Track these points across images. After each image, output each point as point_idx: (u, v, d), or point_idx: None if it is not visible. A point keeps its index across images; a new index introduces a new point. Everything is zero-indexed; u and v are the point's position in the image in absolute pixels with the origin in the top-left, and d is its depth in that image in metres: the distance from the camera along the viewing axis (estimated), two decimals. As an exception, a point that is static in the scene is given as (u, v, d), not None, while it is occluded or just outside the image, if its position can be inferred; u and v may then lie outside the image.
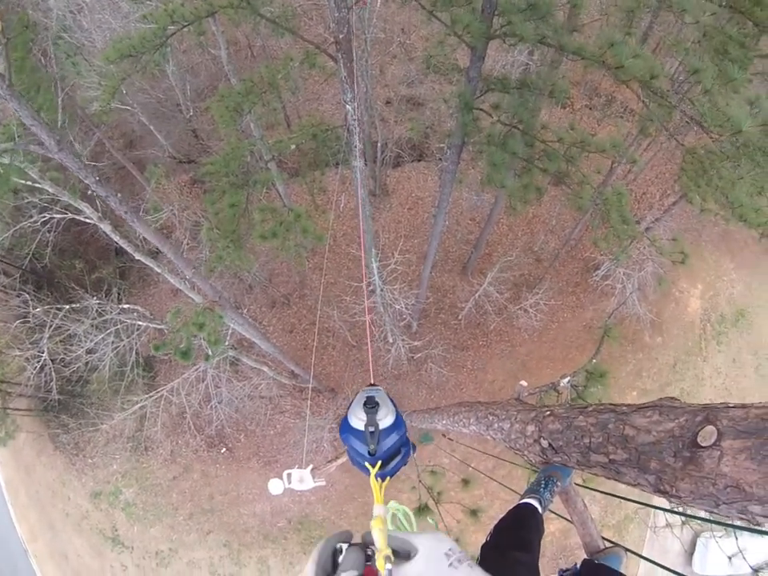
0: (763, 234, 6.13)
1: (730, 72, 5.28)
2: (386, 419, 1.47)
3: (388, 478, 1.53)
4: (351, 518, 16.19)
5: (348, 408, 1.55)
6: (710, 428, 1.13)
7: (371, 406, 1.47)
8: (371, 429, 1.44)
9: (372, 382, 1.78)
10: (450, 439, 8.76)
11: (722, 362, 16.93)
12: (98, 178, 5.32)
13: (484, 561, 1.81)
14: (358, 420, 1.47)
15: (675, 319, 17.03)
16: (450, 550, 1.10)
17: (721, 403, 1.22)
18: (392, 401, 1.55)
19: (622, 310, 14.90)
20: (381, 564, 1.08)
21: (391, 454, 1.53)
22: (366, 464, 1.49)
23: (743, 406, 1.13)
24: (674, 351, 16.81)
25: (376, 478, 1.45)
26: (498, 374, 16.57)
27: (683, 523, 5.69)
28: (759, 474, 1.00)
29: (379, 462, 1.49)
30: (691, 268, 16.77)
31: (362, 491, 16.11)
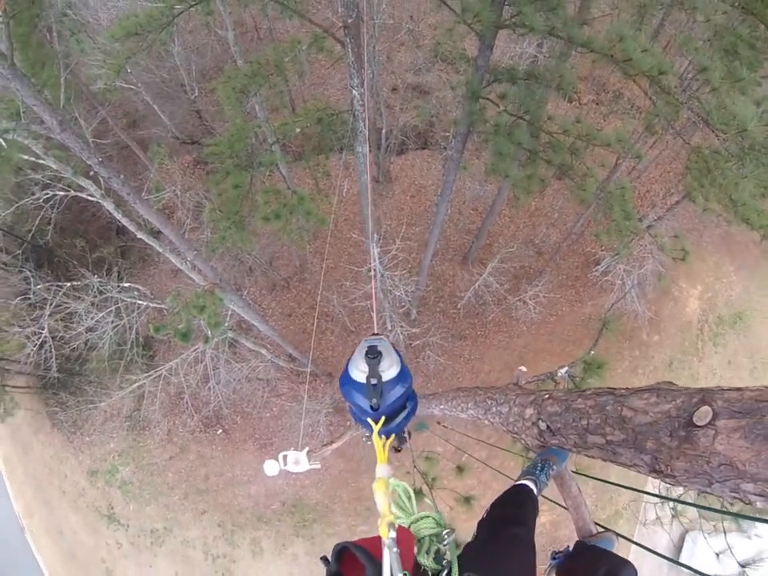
0: (764, 237, 6.16)
1: (738, 72, 5.27)
2: (389, 370, 1.35)
3: (393, 435, 1.45)
4: (345, 502, 16.35)
5: (349, 359, 1.42)
6: (706, 408, 1.16)
7: (373, 356, 1.33)
8: (374, 381, 1.32)
9: (375, 331, 1.64)
10: (444, 426, 8.83)
11: (718, 363, 17.03)
12: (101, 159, 5.31)
13: (480, 536, 1.84)
14: (359, 372, 1.35)
15: (673, 318, 17.10)
16: None
17: (716, 387, 1.25)
18: (396, 351, 1.42)
19: (620, 306, 14.94)
20: (383, 531, 1.05)
21: (396, 408, 1.42)
22: (369, 420, 1.38)
23: (738, 389, 1.17)
24: (671, 350, 16.90)
25: (379, 435, 1.37)
26: (494, 364, 16.64)
27: (673, 517, 5.76)
28: (752, 452, 1.04)
29: (383, 418, 1.38)
30: (691, 268, 16.84)
31: (356, 476, 16.25)
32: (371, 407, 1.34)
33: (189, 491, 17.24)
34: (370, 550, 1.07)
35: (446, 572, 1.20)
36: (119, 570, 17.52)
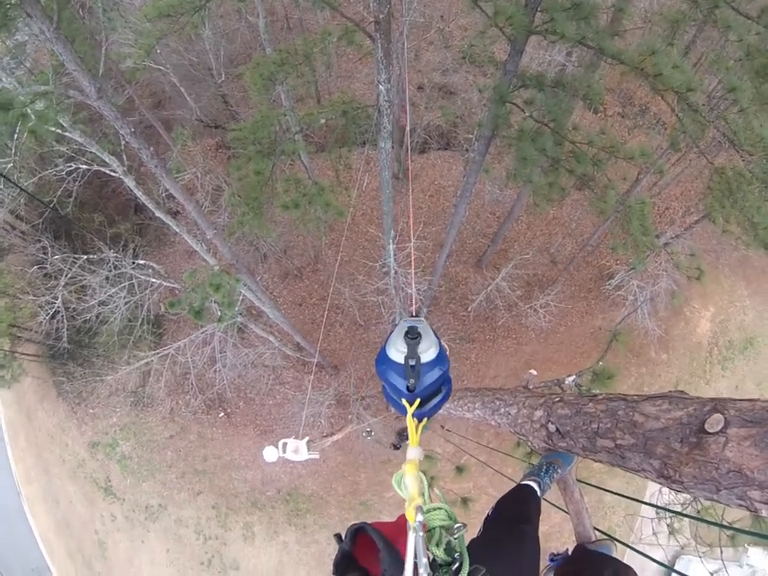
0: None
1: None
2: (428, 352, 1.31)
3: (425, 419, 1.42)
4: (340, 495, 16.44)
5: (386, 339, 1.38)
6: (718, 416, 1.19)
7: (413, 336, 1.30)
8: (412, 362, 1.29)
9: (414, 313, 1.59)
10: (447, 430, 8.84)
11: (725, 387, 16.88)
12: (133, 129, 5.39)
13: (488, 532, 1.87)
14: (397, 351, 1.31)
15: (683, 338, 16.98)
16: None
17: (728, 397, 1.28)
18: (435, 333, 1.39)
19: (631, 321, 14.85)
20: (410, 514, 1.03)
21: (431, 391, 1.38)
22: (403, 401, 1.35)
23: (750, 400, 1.20)
24: (678, 370, 16.80)
25: (413, 418, 1.34)
26: (500, 370, 16.62)
27: (670, 533, 5.76)
28: (761, 460, 1.06)
29: (418, 400, 1.34)
30: (705, 289, 16.71)
31: (353, 470, 16.33)
32: (407, 388, 1.31)
33: (186, 471, 17.42)
34: (387, 534, 1.05)
35: (456, 565, 1.17)
36: (111, 543, 17.80)
